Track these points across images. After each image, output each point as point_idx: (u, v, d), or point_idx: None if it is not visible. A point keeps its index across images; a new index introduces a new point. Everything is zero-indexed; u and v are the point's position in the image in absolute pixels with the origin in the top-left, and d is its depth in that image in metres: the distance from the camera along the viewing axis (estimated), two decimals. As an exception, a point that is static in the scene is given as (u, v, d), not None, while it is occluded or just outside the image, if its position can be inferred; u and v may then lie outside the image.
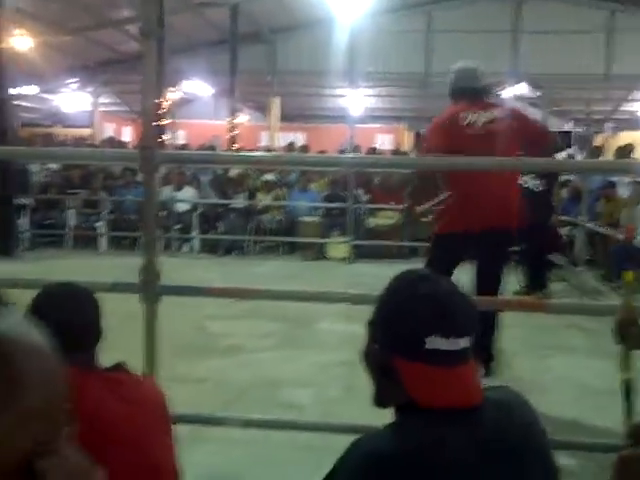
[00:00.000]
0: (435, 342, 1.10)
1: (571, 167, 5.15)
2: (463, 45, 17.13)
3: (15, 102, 10.09)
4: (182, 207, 10.36)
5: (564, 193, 9.01)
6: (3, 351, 0.47)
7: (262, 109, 20.50)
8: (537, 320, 5.25)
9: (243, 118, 19.35)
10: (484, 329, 3.08)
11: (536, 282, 7.30)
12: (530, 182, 7.15)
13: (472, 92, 3.99)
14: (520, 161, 3.70)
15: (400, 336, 1.13)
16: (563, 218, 7.95)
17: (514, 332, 5.10)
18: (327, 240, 9.84)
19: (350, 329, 5.31)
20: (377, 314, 1.21)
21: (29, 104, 20.37)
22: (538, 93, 18.43)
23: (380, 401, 1.21)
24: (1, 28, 8.81)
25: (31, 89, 18.43)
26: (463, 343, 1.12)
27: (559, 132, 17.24)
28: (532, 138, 3.88)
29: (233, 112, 16.82)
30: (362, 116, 18.30)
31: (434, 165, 3.63)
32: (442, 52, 17.46)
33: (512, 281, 7.40)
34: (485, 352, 3.91)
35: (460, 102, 3.98)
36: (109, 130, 20.95)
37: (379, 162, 2.89)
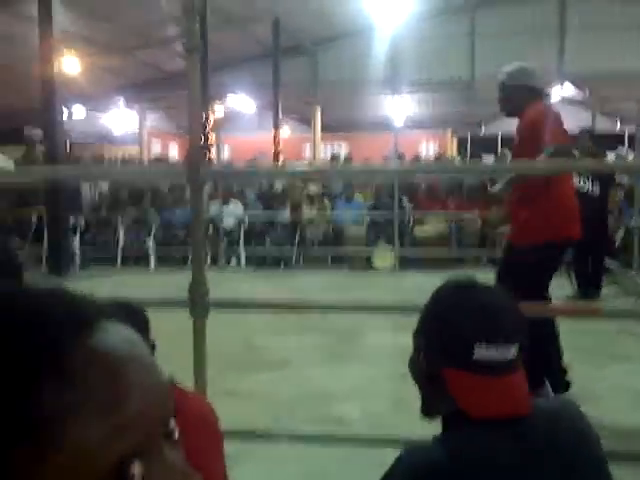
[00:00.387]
0: (483, 351, 1.10)
1: (620, 168, 5.02)
2: (507, 47, 16.90)
3: (65, 122, 10.35)
4: (229, 222, 10.46)
5: (620, 195, 8.78)
6: (113, 368, 0.49)
7: (305, 120, 20.63)
8: (589, 326, 5.11)
9: (286, 130, 19.50)
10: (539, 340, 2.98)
11: (591, 286, 7.15)
12: (586, 186, 6.99)
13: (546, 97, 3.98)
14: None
15: (448, 346, 1.13)
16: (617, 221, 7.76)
17: (566, 339, 4.98)
18: (373, 250, 9.79)
19: (398, 341, 5.23)
20: (423, 324, 1.20)
21: (78, 124, 20.92)
22: (587, 92, 18.05)
23: (428, 412, 1.20)
24: (52, 51, 9.06)
25: (80, 109, 18.94)
26: (511, 352, 1.11)
27: (606, 135, 16.91)
28: None
29: (277, 125, 16.97)
30: (406, 123, 18.27)
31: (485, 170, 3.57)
32: (486, 55, 17.28)
33: (566, 285, 7.30)
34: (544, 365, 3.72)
35: (542, 101, 3.84)
36: (157, 147, 21.37)
37: (421, 169, 2.79)
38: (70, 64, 12.39)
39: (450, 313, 1.15)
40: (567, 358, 4.79)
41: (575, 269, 7.44)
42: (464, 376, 1.11)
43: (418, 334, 1.21)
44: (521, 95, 3.72)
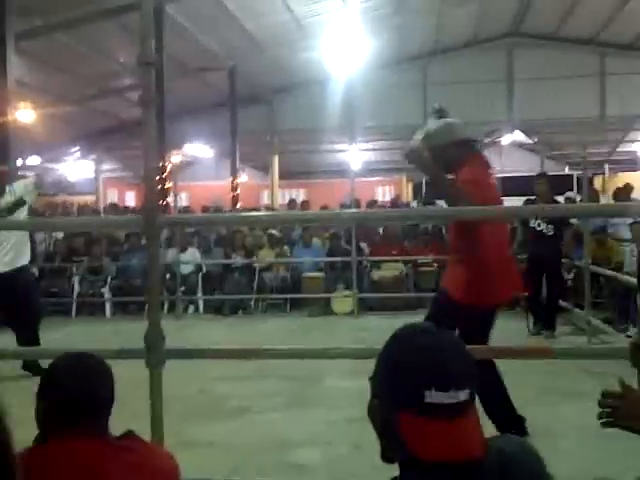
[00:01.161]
0: (434, 396, 1.10)
1: (571, 212, 5.20)
2: (458, 96, 17.50)
3: (19, 173, 10.24)
4: (186, 269, 10.40)
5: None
6: None
7: (262, 168, 20.84)
8: (546, 366, 5.21)
9: (244, 177, 19.63)
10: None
11: (546, 326, 7.36)
12: (543, 225, 7.27)
13: (477, 145, 3.88)
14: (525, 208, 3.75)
15: (399, 390, 1.14)
16: (568, 261, 7.98)
17: (523, 378, 5.06)
18: (332, 295, 9.83)
19: (357, 385, 5.22)
20: (377, 368, 1.21)
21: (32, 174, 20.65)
22: (535, 139, 18.68)
23: (387, 457, 1.20)
24: (5, 101, 9.02)
25: (35, 159, 18.76)
26: (463, 396, 1.12)
27: (556, 176, 17.45)
28: None
29: (234, 172, 17.07)
30: (362, 170, 18.58)
31: (440, 215, 3.62)
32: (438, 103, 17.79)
33: (521, 326, 7.45)
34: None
35: (473, 154, 3.71)
36: (113, 196, 21.23)
37: (376, 216, 2.79)
38: (25, 115, 12.31)
39: (401, 357, 1.16)
40: (524, 397, 4.87)
41: (531, 307, 7.64)
42: (415, 420, 1.11)
43: (373, 379, 1.22)
44: (453, 153, 3.61)
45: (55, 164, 21.41)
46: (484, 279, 3.56)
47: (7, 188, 5.69)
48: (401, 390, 1.13)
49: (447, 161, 3.60)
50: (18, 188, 5.65)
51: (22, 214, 5.58)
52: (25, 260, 5.84)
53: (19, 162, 10.33)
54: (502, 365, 4.30)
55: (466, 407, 1.13)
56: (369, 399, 1.21)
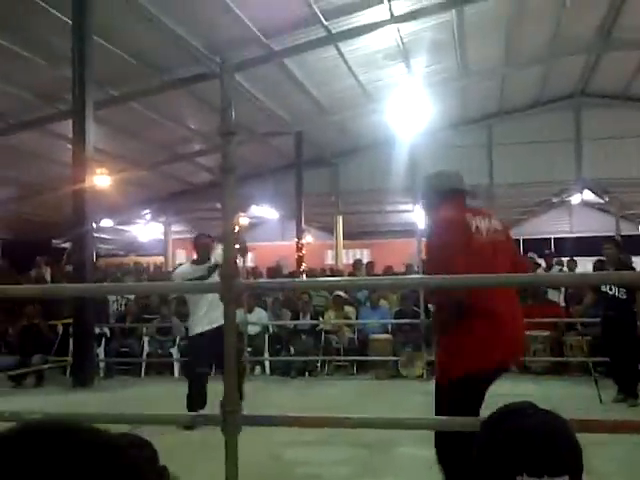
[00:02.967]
0: None
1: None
2: (525, 156, 17.39)
3: (94, 235, 10.61)
4: (253, 329, 10.44)
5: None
6: None
7: (327, 228, 20.97)
8: (631, 437, 4.92)
9: (309, 238, 19.79)
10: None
11: (628, 392, 7.04)
12: (615, 289, 7.07)
13: (465, 194, 3.50)
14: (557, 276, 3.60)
15: (490, 476, 1.07)
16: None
17: (611, 450, 4.79)
18: (400, 357, 9.64)
19: (429, 453, 5.08)
20: (474, 451, 1.15)
21: (106, 236, 21.45)
22: (606, 199, 18.26)
23: None
24: (84, 167, 9.43)
25: (108, 222, 19.46)
26: None
27: (630, 236, 16.96)
28: (516, 260, 3.44)
29: (300, 233, 17.24)
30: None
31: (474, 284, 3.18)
32: (504, 164, 17.71)
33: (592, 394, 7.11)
34: None
35: (456, 204, 3.39)
36: (181, 256, 21.70)
37: (443, 282, 2.62)
38: (101, 180, 12.83)
39: (492, 440, 1.10)
40: (612, 471, 4.60)
41: (612, 373, 7.36)
42: None
43: (472, 461, 1.16)
44: (433, 197, 3.48)
45: (127, 226, 22.16)
46: (476, 342, 3.10)
47: (212, 257, 6.48)
48: (492, 476, 1.07)
49: (429, 205, 3.52)
50: (217, 255, 6.19)
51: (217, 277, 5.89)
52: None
53: (93, 225, 10.71)
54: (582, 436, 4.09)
55: None
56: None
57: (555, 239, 20.52)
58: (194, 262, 6.73)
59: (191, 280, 6.24)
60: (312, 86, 13.88)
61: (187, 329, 10.66)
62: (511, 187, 17.44)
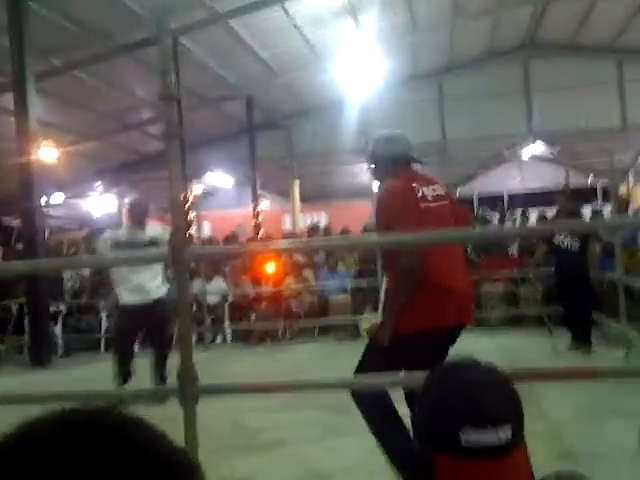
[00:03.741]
0: (469, 435, 1.02)
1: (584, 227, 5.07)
2: (476, 110, 17.44)
3: (44, 210, 10.34)
4: (212, 299, 10.38)
5: (597, 249, 8.89)
6: None
7: (283, 193, 20.84)
8: (583, 384, 5.05)
9: (265, 204, 19.66)
10: None
11: (581, 340, 7.22)
12: (566, 241, 7.20)
13: (411, 161, 3.53)
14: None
15: (433, 431, 1.07)
16: (598, 274, 7.88)
17: (566, 398, 4.91)
18: (360, 318, 9.71)
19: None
20: (417, 410, 1.15)
21: (57, 211, 20.94)
22: (557, 149, 18.51)
23: None
24: (28, 141, 9.13)
25: (59, 196, 18.99)
26: (502, 434, 1.03)
27: (580, 188, 17.29)
28: (461, 218, 3.49)
29: (255, 199, 17.10)
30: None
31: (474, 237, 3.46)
32: (456, 118, 17.75)
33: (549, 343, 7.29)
34: None
35: (402, 171, 3.45)
36: (136, 228, 21.35)
37: (402, 240, 2.64)
38: (47, 153, 12.46)
39: (433, 397, 1.10)
40: (565, 419, 4.73)
41: (567, 323, 7.53)
42: (452, 462, 1.03)
43: (414, 420, 1.18)
44: (383, 165, 3.51)
45: (79, 200, 21.67)
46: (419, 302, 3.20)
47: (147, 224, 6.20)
48: (434, 431, 1.07)
49: (379, 171, 3.57)
50: (155, 230, 6.09)
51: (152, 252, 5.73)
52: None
53: (43, 200, 10.44)
54: (538, 385, 4.17)
55: (509, 446, 1.04)
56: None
57: (509, 194, 20.78)
58: (128, 226, 6.34)
59: (127, 243, 5.93)
60: (260, 48, 13.63)
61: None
62: (463, 142, 17.53)
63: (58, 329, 10.16)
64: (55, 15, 10.34)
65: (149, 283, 6.08)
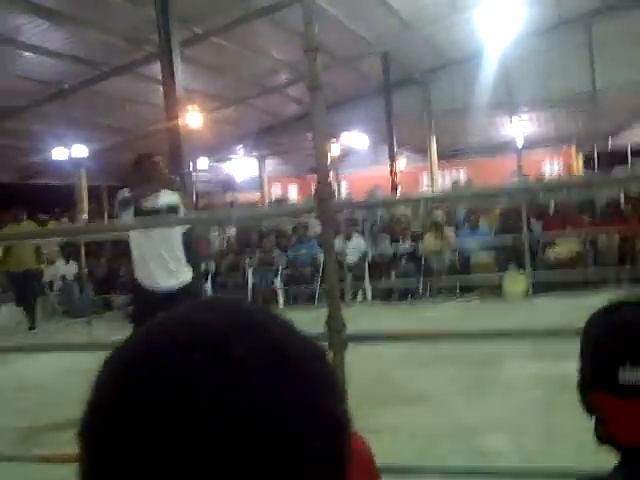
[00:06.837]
0: (628, 373, 1.04)
1: None
2: (632, 55, 16.07)
3: (192, 174, 10.86)
4: (353, 257, 10.49)
5: None
6: None
7: (420, 150, 20.51)
8: None
9: (402, 162, 19.47)
10: None
11: None
12: None
13: None
14: None
15: (594, 369, 1.09)
16: None
17: None
18: (503, 276, 9.44)
19: (538, 368, 5.00)
20: (580, 347, 1.17)
21: (203, 175, 21.93)
22: None
23: (598, 437, 1.13)
24: (176, 107, 9.57)
25: (204, 161, 19.86)
26: None
27: None
28: None
29: (392, 158, 16.97)
30: (526, 144, 17.73)
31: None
32: (607, 65, 16.48)
33: None
34: None
35: None
36: (277, 191, 21.97)
37: (549, 185, 2.53)
38: (193, 119, 13.02)
39: (595, 335, 1.12)
40: None
41: None
42: (611, 400, 1.05)
43: (580, 357, 1.17)
44: None
45: (222, 163, 22.57)
46: None
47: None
48: (596, 368, 1.09)
49: None
50: (173, 197, 4.61)
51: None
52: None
53: (191, 164, 10.94)
54: None
55: None
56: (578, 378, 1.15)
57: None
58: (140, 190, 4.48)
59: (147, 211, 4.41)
60: (396, 2, 13.34)
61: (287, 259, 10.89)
62: (615, 90, 16.30)
63: (208, 286, 10.72)
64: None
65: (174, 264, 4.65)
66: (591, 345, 1.12)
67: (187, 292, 4.53)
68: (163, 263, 4.52)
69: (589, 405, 1.11)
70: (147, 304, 4.35)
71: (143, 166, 4.54)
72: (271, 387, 0.46)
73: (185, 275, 4.65)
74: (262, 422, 0.45)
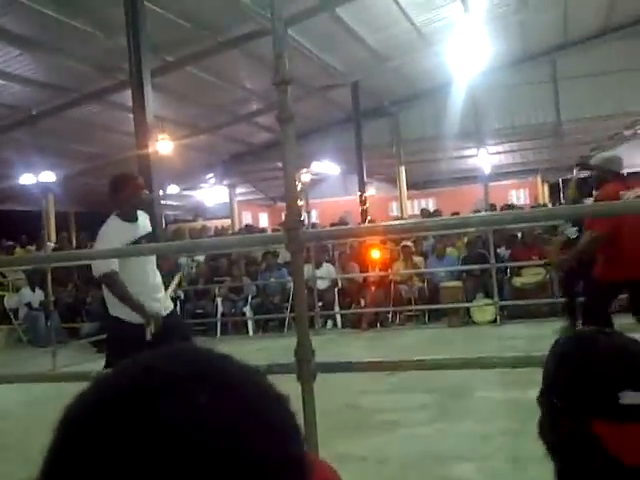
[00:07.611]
0: (629, 397, 1.04)
1: None
2: (594, 89, 16.51)
3: (161, 202, 10.82)
4: (322, 284, 10.51)
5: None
6: None
7: (390, 180, 20.74)
8: None
9: (372, 191, 19.65)
10: None
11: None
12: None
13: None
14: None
15: (589, 396, 1.07)
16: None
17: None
18: (472, 304, 9.54)
19: (507, 396, 5.05)
20: (554, 381, 1.14)
21: (173, 202, 21.86)
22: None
23: (573, 476, 1.10)
24: (147, 135, 9.56)
25: (174, 188, 19.81)
26: None
27: None
28: None
29: (362, 186, 17.11)
30: (493, 174, 18.04)
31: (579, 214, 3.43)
32: (571, 99, 16.90)
33: None
34: None
35: (616, 183, 4.90)
36: (247, 218, 21.98)
37: (517, 218, 2.67)
38: (164, 146, 13.00)
39: (586, 363, 1.10)
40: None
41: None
42: (612, 425, 1.04)
43: (546, 394, 1.14)
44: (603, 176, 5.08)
45: (192, 191, 22.53)
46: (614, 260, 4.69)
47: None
48: (592, 396, 1.06)
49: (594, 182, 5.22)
50: (147, 221, 4.61)
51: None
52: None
53: (160, 192, 10.90)
54: None
55: None
56: (541, 419, 1.13)
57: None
58: (122, 218, 4.30)
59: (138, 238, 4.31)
60: (366, 33, 13.56)
61: (257, 287, 10.87)
62: (580, 122, 16.73)
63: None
64: (167, 12, 10.75)
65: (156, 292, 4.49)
66: (581, 373, 1.10)
67: (175, 319, 4.50)
68: (156, 290, 4.41)
69: (572, 438, 1.09)
70: (129, 337, 4.03)
71: (128, 190, 4.29)
72: (232, 433, 0.48)
73: (167, 301, 4.52)
74: (223, 468, 0.47)
